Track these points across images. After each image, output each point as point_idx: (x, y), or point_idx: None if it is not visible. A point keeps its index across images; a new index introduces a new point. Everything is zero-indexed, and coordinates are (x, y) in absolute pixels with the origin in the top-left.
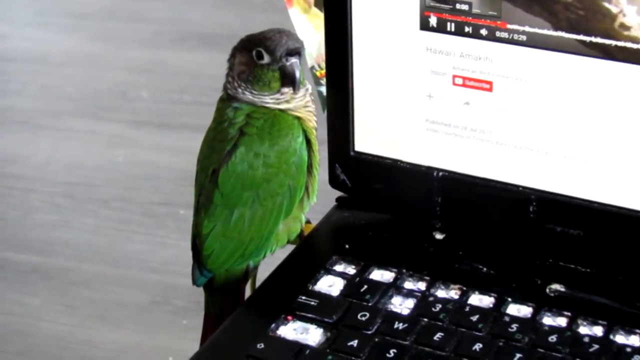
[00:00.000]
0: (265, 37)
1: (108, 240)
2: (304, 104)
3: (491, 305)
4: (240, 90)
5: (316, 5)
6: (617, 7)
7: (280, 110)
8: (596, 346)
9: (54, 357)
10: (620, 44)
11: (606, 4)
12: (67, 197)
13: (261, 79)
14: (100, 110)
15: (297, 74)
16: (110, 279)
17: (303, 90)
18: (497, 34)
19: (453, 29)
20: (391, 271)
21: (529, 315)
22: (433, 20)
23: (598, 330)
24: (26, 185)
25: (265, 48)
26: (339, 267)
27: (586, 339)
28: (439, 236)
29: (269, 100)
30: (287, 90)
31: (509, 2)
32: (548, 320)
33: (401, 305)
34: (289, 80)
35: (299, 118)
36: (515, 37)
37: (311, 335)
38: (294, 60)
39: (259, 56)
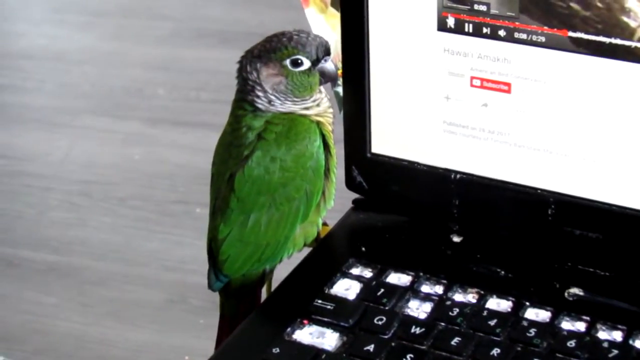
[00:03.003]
0: (300, 44)
1: (124, 239)
2: (328, 105)
3: (509, 310)
4: (279, 102)
5: (333, 5)
6: (636, 22)
7: (309, 114)
8: (615, 351)
9: (70, 356)
10: None
11: (625, 18)
12: (84, 195)
13: (302, 84)
14: (117, 108)
15: (336, 71)
16: (127, 277)
17: (325, 92)
18: (516, 35)
19: (471, 30)
20: (408, 274)
21: (547, 320)
22: (451, 21)
23: (617, 335)
24: (43, 184)
25: (305, 54)
26: (355, 270)
27: (605, 344)
28: (456, 239)
29: (309, 104)
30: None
31: (527, 4)
32: (567, 324)
33: (418, 309)
34: (329, 78)
35: (318, 122)
36: (534, 38)
37: (327, 339)
38: (329, 58)
39: (295, 64)
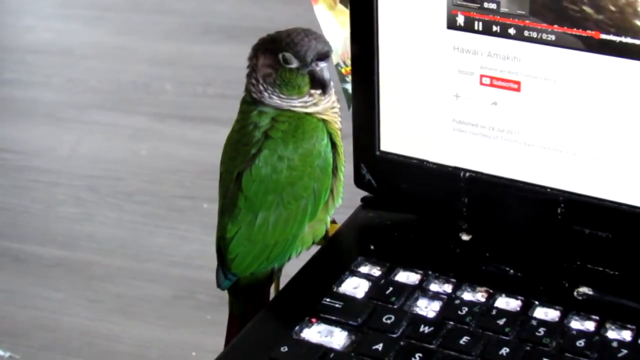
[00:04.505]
0: (293, 42)
1: (131, 234)
2: (330, 105)
3: (518, 309)
4: (266, 94)
5: (342, 2)
6: None
7: (306, 113)
8: (625, 351)
9: (77, 352)
10: None
11: (638, 22)
12: (91, 190)
13: (289, 82)
14: (124, 103)
15: (328, 78)
16: (134, 273)
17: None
18: (526, 33)
19: (481, 28)
20: (417, 273)
21: (557, 319)
22: (460, 19)
23: (627, 335)
24: (50, 179)
25: (294, 53)
26: (364, 269)
27: (615, 344)
28: (465, 237)
29: (296, 104)
30: (316, 92)
31: (537, 1)
32: (576, 324)
33: (427, 308)
34: (319, 85)
35: (324, 120)
36: (544, 36)
37: (336, 338)
38: (324, 64)
39: (286, 60)
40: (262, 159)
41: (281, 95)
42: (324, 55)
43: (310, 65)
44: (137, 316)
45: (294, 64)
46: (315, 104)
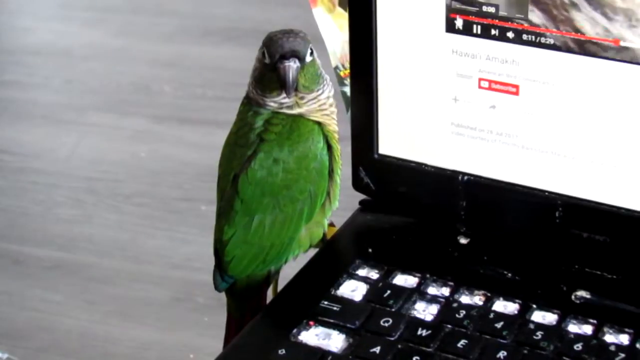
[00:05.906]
0: (269, 37)
1: (130, 236)
2: (317, 107)
3: (516, 312)
4: (251, 88)
5: (340, 5)
6: None
7: (299, 114)
8: (622, 355)
9: (75, 353)
10: None
11: (636, 27)
12: (90, 192)
13: (263, 77)
14: (123, 104)
15: (289, 77)
16: (132, 275)
17: (313, 94)
18: (524, 36)
19: (479, 32)
20: (415, 276)
21: (554, 323)
22: (459, 23)
23: (624, 339)
24: (49, 180)
25: (267, 48)
26: (362, 272)
27: (612, 348)
28: (463, 241)
29: (271, 104)
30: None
31: (535, 4)
32: (574, 327)
33: (425, 311)
34: (281, 82)
35: (319, 123)
36: (542, 40)
37: (333, 341)
38: (287, 63)
39: (263, 56)
40: (258, 162)
41: (259, 92)
42: (289, 54)
43: (278, 62)
44: (135, 318)
45: (266, 60)
46: (297, 105)
